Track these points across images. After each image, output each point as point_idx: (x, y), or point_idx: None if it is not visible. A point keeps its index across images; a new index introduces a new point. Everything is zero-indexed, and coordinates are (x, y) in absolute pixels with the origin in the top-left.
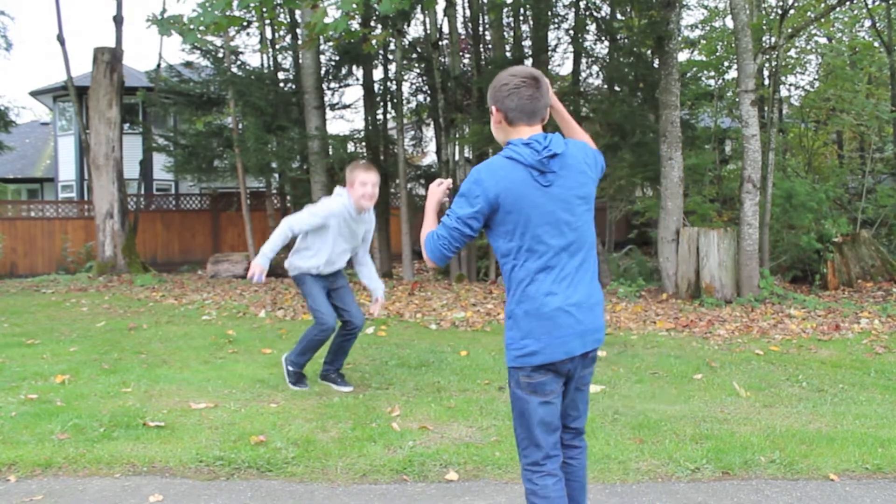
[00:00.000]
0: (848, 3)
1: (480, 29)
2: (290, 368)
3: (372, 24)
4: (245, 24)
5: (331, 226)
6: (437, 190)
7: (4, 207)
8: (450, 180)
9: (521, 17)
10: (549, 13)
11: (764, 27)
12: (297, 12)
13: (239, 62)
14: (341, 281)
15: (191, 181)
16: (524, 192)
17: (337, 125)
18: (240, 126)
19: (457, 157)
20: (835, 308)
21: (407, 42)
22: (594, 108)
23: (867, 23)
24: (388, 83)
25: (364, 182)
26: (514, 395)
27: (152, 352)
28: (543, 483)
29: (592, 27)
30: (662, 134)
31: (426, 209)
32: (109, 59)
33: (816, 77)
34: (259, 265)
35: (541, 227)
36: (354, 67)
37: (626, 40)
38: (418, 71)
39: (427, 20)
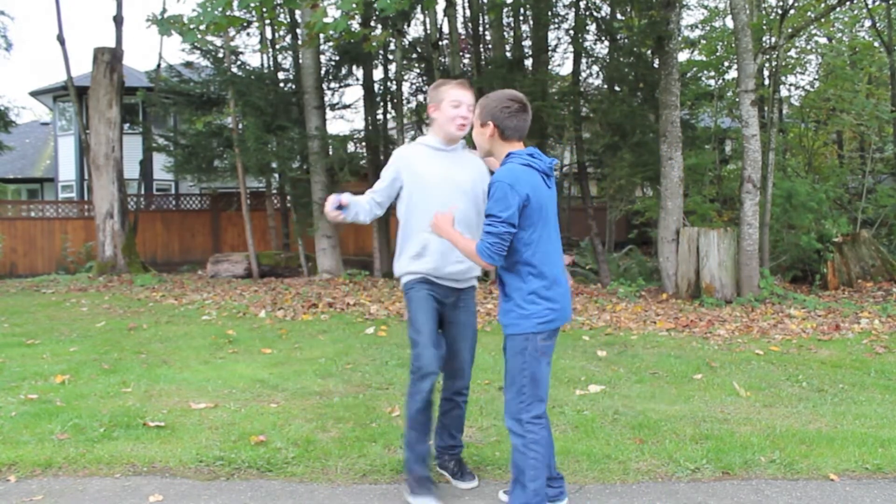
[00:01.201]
0: (848, 3)
1: (480, 29)
2: (407, 470)
3: (372, 24)
4: (245, 24)
5: (407, 179)
6: (448, 217)
7: (4, 207)
8: (455, 207)
9: (521, 17)
10: (549, 13)
11: (764, 27)
12: (297, 12)
13: (239, 62)
14: (464, 313)
15: (191, 181)
16: (542, 192)
17: (337, 125)
18: (240, 126)
19: None
20: (835, 308)
21: (407, 42)
22: (594, 108)
23: (867, 23)
24: (388, 83)
25: (457, 102)
26: (527, 360)
27: (152, 352)
28: (543, 434)
29: (592, 27)
30: (662, 134)
31: (449, 234)
32: (109, 59)
33: (816, 77)
34: (333, 197)
35: (550, 220)
36: (354, 67)
37: (626, 40)
38: (418, 71)
39: (427, 20)
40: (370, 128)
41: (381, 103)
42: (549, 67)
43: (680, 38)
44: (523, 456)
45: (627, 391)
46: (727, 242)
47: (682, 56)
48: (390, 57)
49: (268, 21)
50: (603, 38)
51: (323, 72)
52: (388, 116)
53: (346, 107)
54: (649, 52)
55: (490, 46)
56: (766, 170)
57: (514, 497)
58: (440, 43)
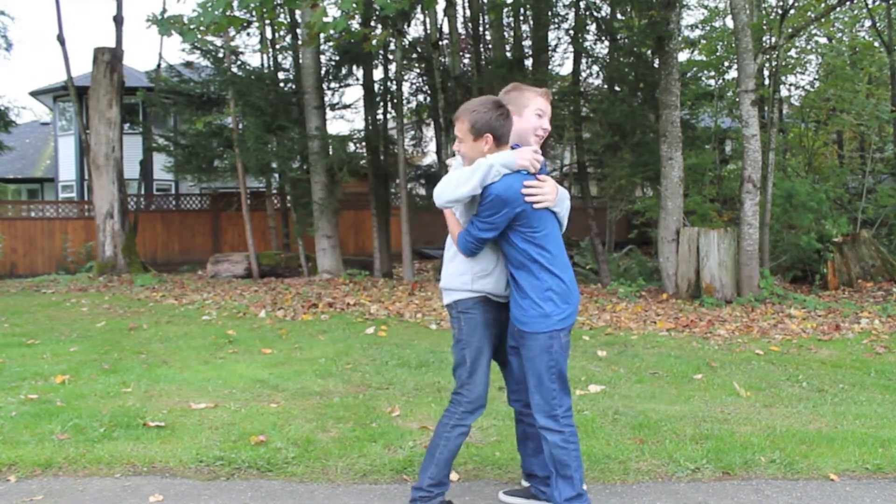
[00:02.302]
0: (848, 3)
1: (480, 29)
2: (420, 496)
3: (372, 23)
4: (245, 24)
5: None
6: None
7: (4, 207)
8: None
9: (521, 17)
10: (549, 13)
11: (764, 27)
12: (297, 12)
13: (239, 62)
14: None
15: (191, 181)
16: None
17: (337, 125)
18: (240, 126)
19: None
20: (835, 308)
21: (407, 42)
22: (594, 108)
23: (867, 23)
24: (388, 83)
25: (542, 112)
26: (553, 357)
27: (152, 352)
28: (573, 424)
29: (592, 27)
30: (662, 134)
31: (448, 216)
32: (109, 59)
33: (816, 77)
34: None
35: (551, 218)
36: (354, 67)
37: (626, 40)
38: (418, 71)
39: (427, 20)
40: (370, 128)
41: (381, 103)
42: (549, 67)
43: (680, 38)
44: (565, 450)
45: (627, 391)
46: (727, 242)
47: (682, 56)
48: (390, 57)
49: (268, 21)
50: (603, 38)
51: (323, 72)
52: (389, 116)
53: (346, 107)
54: (649, 52)
55: (490, 46)
56: (766, 170)
57: (562, 491)
58: (440, 43)
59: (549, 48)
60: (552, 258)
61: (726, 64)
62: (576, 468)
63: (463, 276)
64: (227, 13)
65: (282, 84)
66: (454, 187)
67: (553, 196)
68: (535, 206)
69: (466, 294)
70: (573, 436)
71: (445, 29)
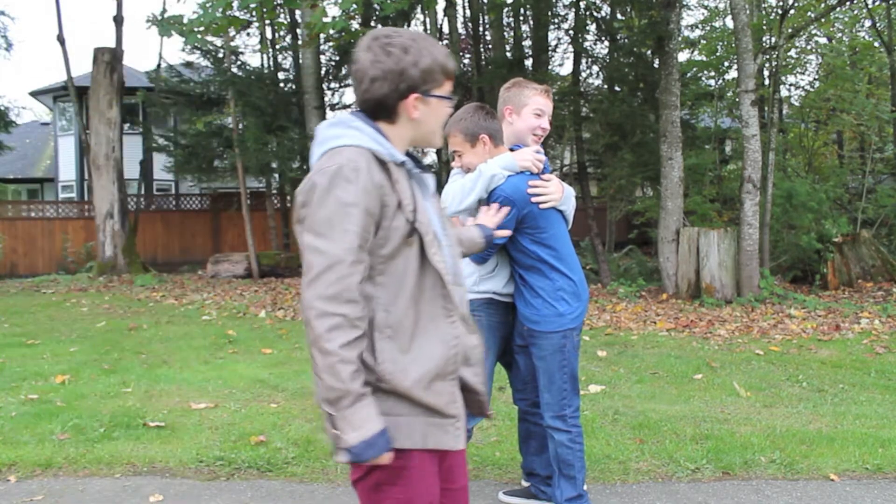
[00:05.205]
0: (848, 3)
1: (480, 29)
2: None
3: (372, 24)
4: (245, 24)
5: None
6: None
7: (4, 207)
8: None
9: (521, 17)
10: (550, 13)
11: (764, 27)
12: (297, 12)
13: (239, 62)
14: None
15: (191, 181)
16: None
17: None
18: (240, 126)
19: None
20: (835, 308)
21: None
22: (594, 108)
23: (867, 23)
24: None
25: (541, 111)
26: (566, 357)
27: (152, 352)
28: (580, 425)
29: (592, 27)
30: (662, 134)
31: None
32: (109, 59)
33: (816, 77)
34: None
35: (557, 216)
36: None
37: (626, 40)
38: None
39: (427, 20)
40: None
41: None
42: (549, 67)
43: (680, 38)
44: (570, 450)
45: (628, 391)
46: (727, 242)
47: (682, 56)
48: None
49: (268, 21)
50: (603, 38)
51: (323, 72)
52: None
53: (346, 107)
54: (649, 52)
55: (490, 46)
56: (766, 170)
57: (564, 490)
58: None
59: (549, 48)
60: (561, 257)
61: (726, 64)
62: (579, 469)
63: (469, 277)
64: (227, 13)
65: (282, 84)
66: (461, 197)
67: (559, 195)
68: (542, 206)
69: (472, 295)
70: (579, 436)
71: (445, 29)
